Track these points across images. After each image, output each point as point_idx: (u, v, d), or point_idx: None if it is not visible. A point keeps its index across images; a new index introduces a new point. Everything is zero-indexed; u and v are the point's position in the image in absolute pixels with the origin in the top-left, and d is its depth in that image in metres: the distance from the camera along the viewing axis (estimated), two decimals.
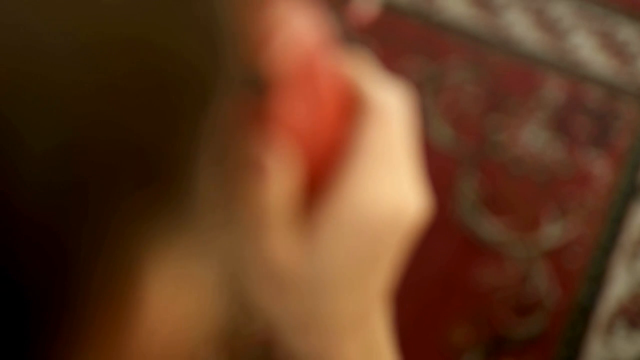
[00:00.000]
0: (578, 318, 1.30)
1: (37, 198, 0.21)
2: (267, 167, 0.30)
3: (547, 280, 1.32)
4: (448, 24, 1.55)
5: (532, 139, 1.43)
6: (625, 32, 1.55)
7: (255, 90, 0.27)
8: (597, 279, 1.32)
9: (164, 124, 0.23)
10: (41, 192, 0.21)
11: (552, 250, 1.34)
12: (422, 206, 0.35)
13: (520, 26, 1.55)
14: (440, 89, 1.48)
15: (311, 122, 0.31)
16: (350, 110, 0.32)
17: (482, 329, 1.33)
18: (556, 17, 1.56)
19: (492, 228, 1.35)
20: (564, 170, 1.41)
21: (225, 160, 0.25)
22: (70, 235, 0.22)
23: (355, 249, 0.33)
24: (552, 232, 1.36)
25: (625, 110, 1.46)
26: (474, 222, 1.35)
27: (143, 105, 0.23)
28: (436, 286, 1.32)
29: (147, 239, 0.23)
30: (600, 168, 1.41)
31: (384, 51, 1.51)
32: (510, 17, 1.56)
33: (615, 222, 1.36)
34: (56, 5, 0.22)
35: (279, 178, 0.31)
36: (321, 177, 0.32)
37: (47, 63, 0.21)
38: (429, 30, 1.54)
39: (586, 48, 1.53)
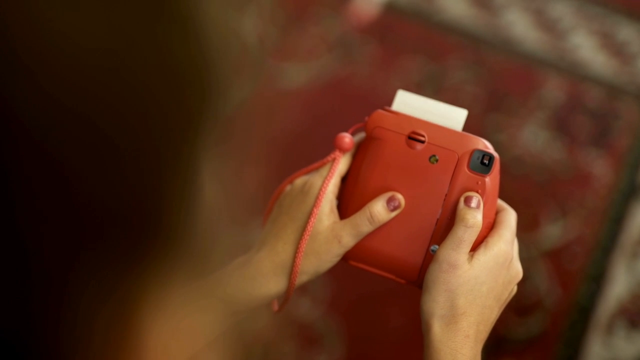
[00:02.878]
0: (578, 318, 1.30)
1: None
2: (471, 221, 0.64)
3: (547, 280, 1.32)
4: (448, 24, 1.55)
5: (532, 139, 1.43)
6: (625, 32, 1.55)
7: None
8: (597, 279, 1.32)
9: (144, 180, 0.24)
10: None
11: (552, 250, 1.34)
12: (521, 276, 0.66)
13: (520, 26, 1.55)
14: (440, 89, 1.48)
15: (491, 210, 0.67)
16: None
17: None
18: (556, 17, 1.56)
19: None
20: (564, 170, 1.41)
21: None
22: (69, 292, 0.23)
23: (491, 269, 0.63)
24: (552, 232, 1.36)
25: (625, 110, 1.46)
26: None
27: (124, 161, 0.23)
28: None
29: (144, 292, 0.24)
30: (600, 168, 1.41)
31: (384, 51, 1.51)
32: (510, 17, 1.56)
33: (615, 222, 1.36)
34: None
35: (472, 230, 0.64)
36: (485, 235, 0.66)
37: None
38: (429, 30, 1.54)
39: (586, 48, 1.53)
